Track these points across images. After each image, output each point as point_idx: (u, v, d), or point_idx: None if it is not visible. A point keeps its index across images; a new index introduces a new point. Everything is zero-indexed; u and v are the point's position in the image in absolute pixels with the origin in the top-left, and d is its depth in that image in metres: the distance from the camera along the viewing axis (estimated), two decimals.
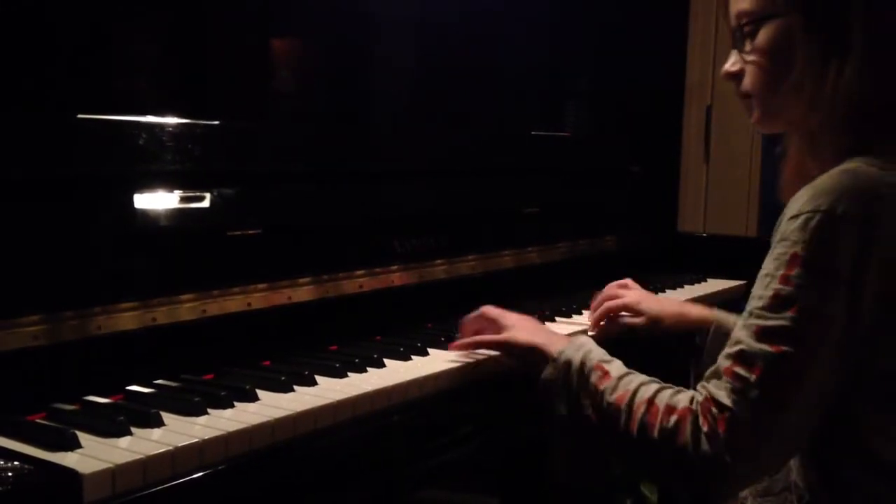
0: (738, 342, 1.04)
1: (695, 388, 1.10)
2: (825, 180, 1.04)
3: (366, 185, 1.68)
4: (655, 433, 1.07)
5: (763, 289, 1.04)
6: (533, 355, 1.28)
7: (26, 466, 0.90)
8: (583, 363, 1.19)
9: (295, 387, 1.21)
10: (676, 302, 1.62)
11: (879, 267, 1.01)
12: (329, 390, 1.21)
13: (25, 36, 1.31)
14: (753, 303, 1.05)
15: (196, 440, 0.99)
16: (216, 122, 1.44)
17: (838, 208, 1.01)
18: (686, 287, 2.15)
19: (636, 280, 1.70)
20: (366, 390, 1.21)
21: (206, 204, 1.37)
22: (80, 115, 1.26)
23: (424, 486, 1.48)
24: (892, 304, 1.02)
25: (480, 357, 1.38)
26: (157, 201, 1.32)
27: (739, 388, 1.02)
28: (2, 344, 1.09)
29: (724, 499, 1.17)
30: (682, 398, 1.08)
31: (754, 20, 1.12)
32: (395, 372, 1.31)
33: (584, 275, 2.03)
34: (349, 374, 1.29)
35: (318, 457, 1.14)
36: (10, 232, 1.15)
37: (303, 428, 1.11)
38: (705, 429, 1.03)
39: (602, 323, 1.62)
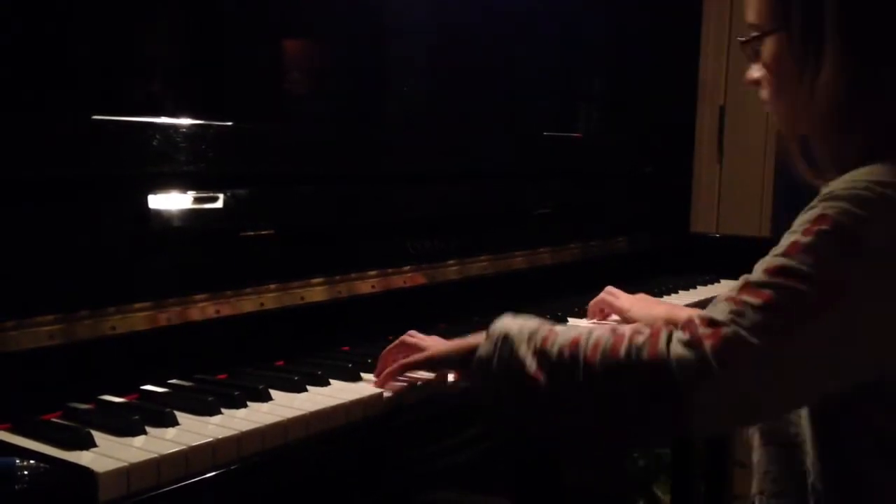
0: (744, 278, 0.98)
1: None
2: (862, 169, 1.00)
3: (378, 186, 1.68)
4: (622, 352, 0.95)
5: (784, 241, 0.99)
6: (461, 359, 1.17)
7: (42, 465, 0.91)
8: (521, 327, 1.07)
9: (308, 387, 1.22)
10: (666, 305, 1.59)
11: None
12: (341, 390, 1.21)
13: (40, 37, 1.31)
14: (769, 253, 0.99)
15: (209, 440, 1.00)
16: (229, 124, 1.45)
17: (877, 188, 0.97)
18: (699, 288, 2.15)
19: (647, 281, 1.70)
20: (378, 391, 1.22)
21: (219, 205, 1.38)
22: (94, 117, 1.27)
23: (437, 486, 1.48)
24: None
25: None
26: (170, 202, 1.32)
27: (739, 310, 0.93)
28: (18, 343, 1.09)
29: (701, 432, 1.06)
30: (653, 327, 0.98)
31: (759, 35, 1.13)
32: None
33: (597, 276, 2.03)
34: (361, 374, 1.29)
35: (330, 457, 1.14)
36: (25, 232, 1.16)
37: (315, 428, 1.12)
38: (686, 337, 0.92)
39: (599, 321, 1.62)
